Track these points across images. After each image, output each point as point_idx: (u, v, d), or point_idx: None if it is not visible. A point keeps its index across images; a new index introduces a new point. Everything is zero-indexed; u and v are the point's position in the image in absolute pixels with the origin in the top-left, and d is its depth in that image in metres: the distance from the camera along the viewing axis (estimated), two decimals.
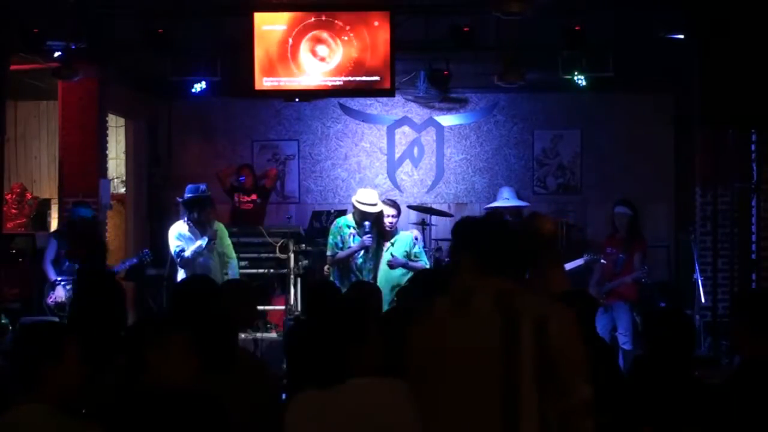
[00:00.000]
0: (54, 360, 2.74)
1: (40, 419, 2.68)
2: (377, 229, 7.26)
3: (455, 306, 2.49)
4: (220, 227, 7.40)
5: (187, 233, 7.10)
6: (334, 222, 7.54)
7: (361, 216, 7.24)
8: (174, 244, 7.08)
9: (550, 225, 5.75)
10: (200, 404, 2.73)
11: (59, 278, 7.60)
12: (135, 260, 8.02)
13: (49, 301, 7.58)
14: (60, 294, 7.56)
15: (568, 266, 7.36)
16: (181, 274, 7.12)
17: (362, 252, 7.22)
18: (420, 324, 2.61)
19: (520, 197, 9.44)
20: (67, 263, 7.66)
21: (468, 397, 2.44)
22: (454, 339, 2.45)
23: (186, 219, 7.18)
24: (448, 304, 2.54)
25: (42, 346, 2.76)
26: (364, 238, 7.14)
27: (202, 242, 7.01)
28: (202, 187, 7.32)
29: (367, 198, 7.28)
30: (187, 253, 6.98)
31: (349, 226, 7.32)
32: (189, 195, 7.23)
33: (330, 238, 7.37)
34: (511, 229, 2.89)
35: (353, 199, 7.38)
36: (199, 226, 7.13)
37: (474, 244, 2.61)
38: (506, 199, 7.45)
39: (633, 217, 7.66)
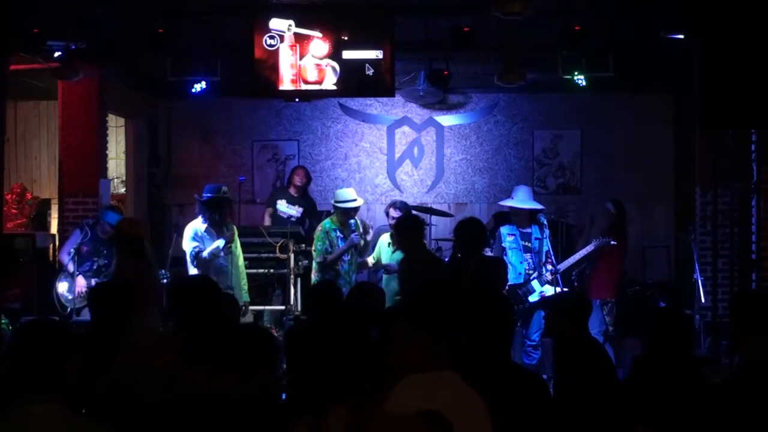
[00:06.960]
0: (68, 358, 2.66)
1: (55, 420, 2.58)
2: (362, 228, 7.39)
3: None
4: (234, 229, 7.34)
5: (204, 233, 7.03)
6: (319, 227, 7.52)
7: (344, 215, 7.34)
8: (190, 244, 6.97)
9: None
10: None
11: (78, 270, 7.52)
12: None
13: (67, 291, 7.51)
14: (82, 284, 7.49)
15: (581, 253, 7.41)
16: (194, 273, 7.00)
17: (348, 256, 7.29)
18: None
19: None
20: (87, 263, 7.60)
21: None
22: None
23: (204, 219, 7.10)
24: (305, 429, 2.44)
25: (58, 345, 2.66)
26: (352, 236, 7.22)
27: (219, 243, 6.90)
28: (224, 188, 7.26)
29: (346, 196, 7.40)
30: (205, 254, 6.90)
31: (335, 229, 7.38)
32: (210, 195, 7.08)
33: (318, 244, 7.36)
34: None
35: (333, 202, 7.46)
36: (216, 227, 7.06)
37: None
38: (521, 200, 7.43)
39: (614, 216, 7.82)
